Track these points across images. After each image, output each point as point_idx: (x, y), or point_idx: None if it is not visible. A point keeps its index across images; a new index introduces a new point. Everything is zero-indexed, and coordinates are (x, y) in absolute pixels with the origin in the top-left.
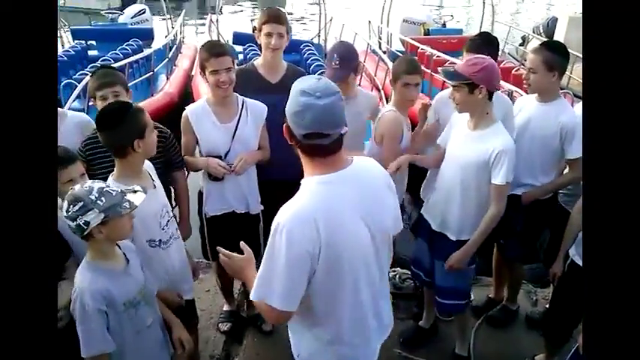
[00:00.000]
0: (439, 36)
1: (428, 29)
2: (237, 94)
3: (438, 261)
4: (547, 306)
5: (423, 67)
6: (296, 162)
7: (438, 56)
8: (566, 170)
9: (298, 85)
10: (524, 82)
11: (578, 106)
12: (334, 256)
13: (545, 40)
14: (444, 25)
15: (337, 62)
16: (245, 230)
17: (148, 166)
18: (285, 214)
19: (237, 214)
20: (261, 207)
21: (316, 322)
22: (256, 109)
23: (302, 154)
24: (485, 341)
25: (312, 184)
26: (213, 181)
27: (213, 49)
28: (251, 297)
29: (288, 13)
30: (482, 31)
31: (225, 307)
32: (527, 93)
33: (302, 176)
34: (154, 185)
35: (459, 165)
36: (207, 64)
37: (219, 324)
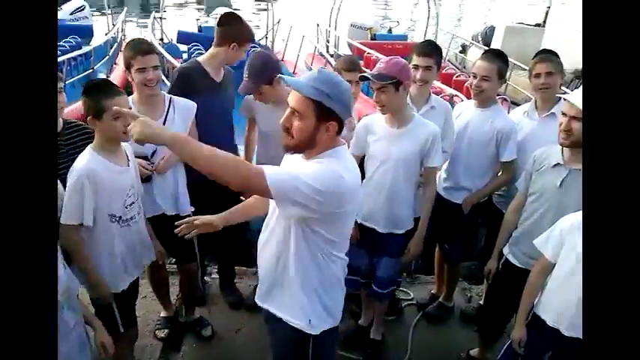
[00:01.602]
0: (385, 41)
1: (374, 34)
2: (164, 93)
3: (385, 257)
4: (481, 302)
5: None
6: None
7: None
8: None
9: (335, 76)
10: (475, 89)
11: (514, 112)
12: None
13: (490, 48)
14: (390, 30)
15: (246, 75)
16: (177, 234)
17: (126, 146)
18: (343, 168)
19: (168, 217)
20: (192, 208)
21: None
22: (184, 106)
23: (332, 134)
24: (423, 336)
25: (346, 151)
26: (141, 183)
27: (140, 47)
28: (267, 178)
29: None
30: (427, 38)
31: (162, 314)
32: (468, 98)
33: None
34: (129, 164)
35: (389, 165)
36: (133, 61)
37: (156, 331)
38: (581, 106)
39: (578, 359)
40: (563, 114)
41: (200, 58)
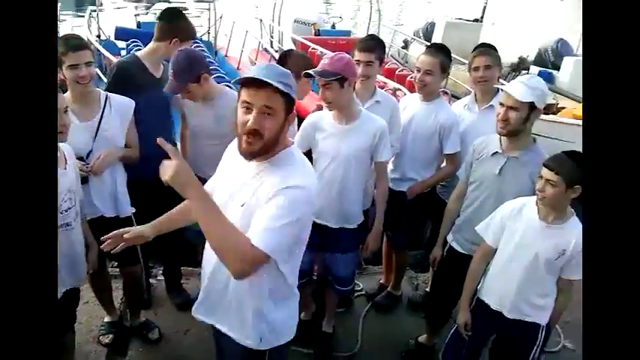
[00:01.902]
0: (329, 37)
1: (318, 30)
2: (100, 90)
3: (340, 255)
4: (427, 290)
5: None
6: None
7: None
8: (444, 164)
9: (282, 68)
10: (420, 83)
11: (455, 105)
12: None
13: (433, 43)
14: (333, 26)
15: (172, 74)
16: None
17: (66, 148)
18: (304, 177)
19: (107, 219)
20: (133, 209)
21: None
22: (121, 104)
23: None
24: (372, 326)
25: (298, 151)
26: None
27: (71, 42)
28: (255, 245)
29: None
30: (370, 33)
31: (106, 319)
32: (411, 92)
33: None
34: (66, 167)
35: (340, 161)
36: (64, 58)
37: (100, 337)
38: (517, 96)
39: (519, 340)
40: (501, 104)
41: (139, 53)
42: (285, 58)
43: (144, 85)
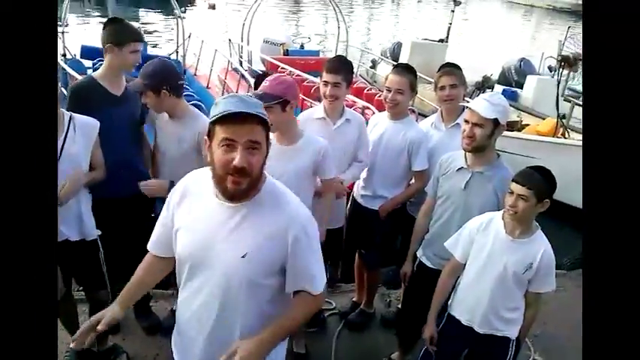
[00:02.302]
0: (298, 56)
1: (287, 50)
2: (64, 110)
3: None
4: (399, 306)
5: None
6: (135, 178)
7: (297, 75)
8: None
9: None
10: (391, 102)
11: (422, 123)
12: None
13: (399, 63)
14: (302, 46)
15: (140, 72)
16: (83, 261)
17: None
18: (299, 205)
19: (72, 243)
20: (98, 232)
21: None
22: (86, 124)
23: None
24: (346, 345)
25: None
26: None
27: None
28: (319, 291)
29: (144, 31)
30: (338, 54)
31: (72, 345)
32: (379, 110)
33: (138, 192)
34: None
35: (284, 181)
36: None
37: None
38: (481, 113)
39: (491, 355)
40: (466, 121)
41: (95, 73)
42: (258, 81)
43: (102, 105)
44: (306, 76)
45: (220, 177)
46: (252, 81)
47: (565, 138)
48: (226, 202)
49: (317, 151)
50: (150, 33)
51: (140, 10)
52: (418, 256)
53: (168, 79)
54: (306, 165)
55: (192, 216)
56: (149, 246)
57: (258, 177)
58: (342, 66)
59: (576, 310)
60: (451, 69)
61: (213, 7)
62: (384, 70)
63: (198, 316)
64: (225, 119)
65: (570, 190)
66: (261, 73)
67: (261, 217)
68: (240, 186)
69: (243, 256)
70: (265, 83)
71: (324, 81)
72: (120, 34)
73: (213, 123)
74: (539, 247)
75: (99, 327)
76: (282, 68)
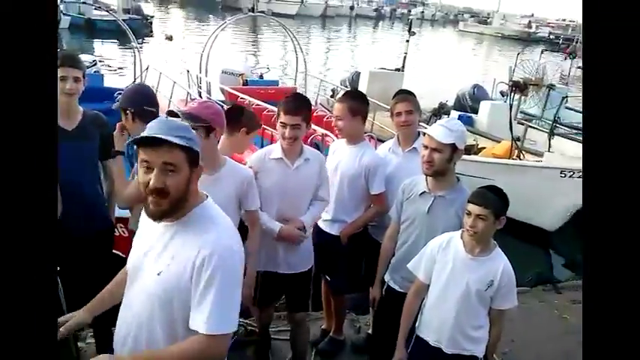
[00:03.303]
0: (257, 86)
1: (246, 80)
2: None
3: None
4: (369, 331)
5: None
6: (91, 215)
7: (257, 104)
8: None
9: (180, 122)
10: (336, 128)
11: (380, 148)
12: None
13: (346, 90)
14: (261, 76)
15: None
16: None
17: None
18: (225, 234)
19: None
20: (56, 267)
21: None
22: None
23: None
24: None
25: (213, 205)
26: None
27: None
28: (211, 332)
29: (100, 60)
30: (297, 84)
31: None
32: (337, 137)
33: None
34: None
35: None
36: None
37: None
38: (439, 138)
39: None
40: (425, 146)
41: None
42: (233, 112)
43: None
44: (265, 105)
45: (144, 197)
46: None
47: (520, 159)
48: (162, 221)
49: (240, 180)
50: (107, 65)
51: (94, 40)
52: (386, 280)
53: (134, 101)
54: (228, 194)
55: (140, 231)
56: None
57: (179, 198)
58: (301, 105)
59: (542, 327)
60: (405, 95)
61: (170, 38)
62: None
63: (126, 328)
64: (143, 142)
65: (527, 208)
66: (232, 106)
67: (183, 239)
68: (160, 207)
69: (158, 274)
70: (193, 104)
71: (282, 122)
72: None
73: (137, 146)
74: (499, 263)
75: (60, 330)
76: (242, 98)
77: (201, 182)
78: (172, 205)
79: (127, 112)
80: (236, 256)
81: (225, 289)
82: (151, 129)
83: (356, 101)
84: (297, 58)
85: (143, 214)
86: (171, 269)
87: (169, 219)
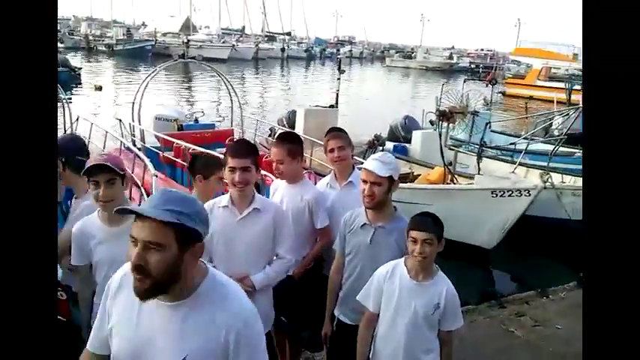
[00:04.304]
0: (193, 130)
1: (181, 125)
2: None
3: None
4: None
5: (180, 161)
6: None
7: (193, 149)
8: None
9: (184, 193)
10: (276, 171)
11: (319, 183)
12: None
13: (280, 133)
14: (196, 120)
15: None
16: None
17: None
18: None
19: None
20: None
21: None
22: None
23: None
24: None
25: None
26: None
27: None
28: None
29: None
30: (233, 126)
31: None
32: (276, 177)
33: None
34: None
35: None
36: None
37: None
38: (377, 172)
39: None
40: (364, 181)
41: None
42: (189, 163)
43: None
44: (202, 149)
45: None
46: (147, 160)
47: (454, 183)
48: (165, 301)
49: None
50: None
51: None
52: (336, 314)
53: (66, 151)
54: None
55: (128, 314)
56: (88, 344)
57: (164, 278)
58: (249, 149)
59: (491, 342)
60: (337, 133)
61: (99, 88)
62: None
63: None
64: (128, 214)
65: (464, 229)
66: (196, 155)
67: (200, 317)
68: (142, 285)
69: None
70: (103, 156)
71: (231, 167)
72: None
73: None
74: (442, 286)
75: None
76: (177, 144)
77: (108, 237)
78: (157, 286)
79: (59, 161)
80: (258, 317)
81: (263, 353)
82: (149, 200)
83: (294, 144)
84: (231, 100)
85: (126, 288)
86: (198, 353)
87: (168, 299)
